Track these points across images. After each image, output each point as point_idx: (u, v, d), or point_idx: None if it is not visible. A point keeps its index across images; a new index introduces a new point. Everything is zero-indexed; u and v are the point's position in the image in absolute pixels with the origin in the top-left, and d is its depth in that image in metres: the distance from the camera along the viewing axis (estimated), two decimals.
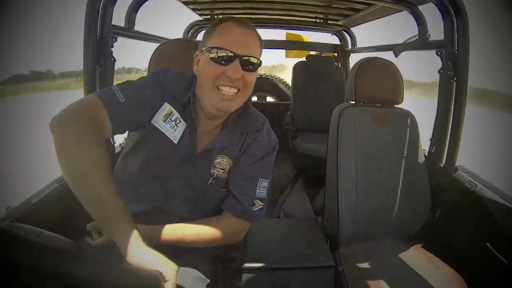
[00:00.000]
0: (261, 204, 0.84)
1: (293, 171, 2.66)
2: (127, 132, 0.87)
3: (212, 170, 0.83)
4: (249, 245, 1.00)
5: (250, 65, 0.75)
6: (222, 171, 0.83)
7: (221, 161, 0.83)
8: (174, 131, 0.80)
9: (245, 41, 0.75)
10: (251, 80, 0.77)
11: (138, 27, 1.44)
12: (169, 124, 0.79)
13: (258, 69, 0.79)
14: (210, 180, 0.83)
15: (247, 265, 0.92)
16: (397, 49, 1.39)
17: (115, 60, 1.21)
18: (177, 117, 0.80)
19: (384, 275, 1.02)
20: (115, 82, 1.28)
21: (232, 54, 0.73)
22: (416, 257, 1.12)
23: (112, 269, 0.46)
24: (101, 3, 1.12)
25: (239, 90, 0.76)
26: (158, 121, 0.79)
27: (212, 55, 0.73)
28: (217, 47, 0.73)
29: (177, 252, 0.86)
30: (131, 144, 0.84)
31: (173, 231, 0.77)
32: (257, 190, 0.83)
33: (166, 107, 0.80)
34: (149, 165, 0.81)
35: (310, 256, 0.95)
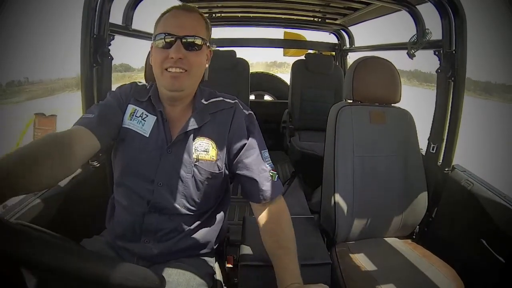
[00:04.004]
0: (275, 173, 0.83)
1: (290, 169, 2.67)
2: None
3: (194, 155, 0.82)
4: (245, 242, 1.00)
5: (193, 45, 0.77)
6: (205, 152, 0.82)
7: (201, 143, 0.83)
8: (143, 126, 0.83)
9: (186, 23, 0.78)
10: (196, 60, 0.79)
11: (136, 25, 1.44)
12: (135, 120, 0.84)
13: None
14: (193, 164, 0.82)
15: (243, 262, 0.93)
16: (409, 50, 1.42)
17: (112, 59, 1.21)
18: (142, 112, 0.84)
19: (380, 272, 1.02)
20: (113, 81, 1.27)
21: (173, 37, 0.76)
22: (412, 254, 1.13)
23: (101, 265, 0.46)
24: (98, 1, 1.12)
25: (186, 70, 0.77)
26: (125, 121, 0.84)
27: (157, 42, 0.78)
28: (160, 33, 0.77)
29: (180, 259, 0.86)
30: (115, 153, 0.87)
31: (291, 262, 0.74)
32: (266, 162, 0.83)
33: (130, 108, 0.86)
34: (130, 164, 0.83)
35: (307, 254, 0.95)
